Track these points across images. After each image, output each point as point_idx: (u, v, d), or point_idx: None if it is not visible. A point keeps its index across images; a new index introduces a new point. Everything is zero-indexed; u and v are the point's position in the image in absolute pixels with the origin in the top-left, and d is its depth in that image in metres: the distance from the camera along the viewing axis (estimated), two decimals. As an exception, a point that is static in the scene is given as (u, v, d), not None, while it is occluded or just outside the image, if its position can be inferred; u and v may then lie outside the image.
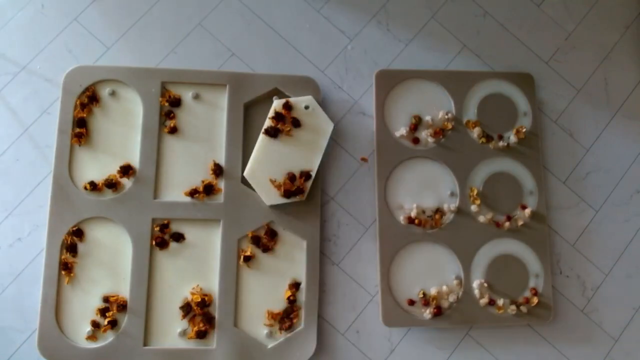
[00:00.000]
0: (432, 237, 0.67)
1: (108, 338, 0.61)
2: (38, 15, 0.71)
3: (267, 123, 0.65)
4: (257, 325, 0.64)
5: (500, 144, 0.70)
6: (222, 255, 0.64)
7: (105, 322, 0.61)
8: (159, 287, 0.63)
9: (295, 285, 0.64)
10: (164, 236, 0.64)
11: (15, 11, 0.71)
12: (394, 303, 0.65)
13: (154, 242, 0.64)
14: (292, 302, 0.64)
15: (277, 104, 0.65)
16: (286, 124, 0.65)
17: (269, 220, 0.65)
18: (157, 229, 0.64)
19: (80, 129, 0.65)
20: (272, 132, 0.64)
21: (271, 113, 0.65)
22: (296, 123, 0.65)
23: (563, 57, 0.76)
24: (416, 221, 0.67)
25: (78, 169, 0.65)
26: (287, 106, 0.65)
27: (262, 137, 0.65)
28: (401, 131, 0.69)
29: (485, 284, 0.66)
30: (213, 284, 0.64)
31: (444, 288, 0.65)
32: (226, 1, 0.73)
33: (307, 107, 0.66)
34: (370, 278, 0.67)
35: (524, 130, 0.70)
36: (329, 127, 0.65)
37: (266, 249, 0.65)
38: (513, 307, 0.65)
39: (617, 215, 0.72)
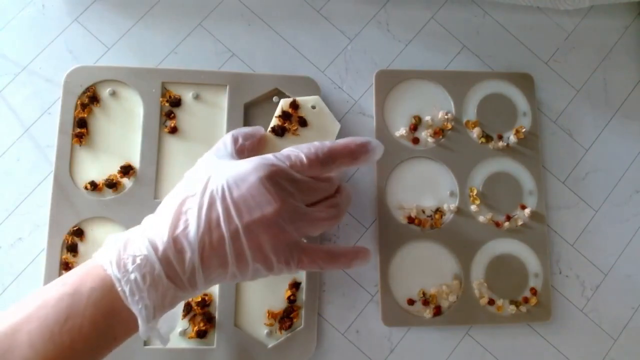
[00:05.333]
0: (432, 237, 0.67)
1: (109, 338, 0.62)
2: (38, 16, 0.71)
3: (274, 122, 0.64)
4: (257, 325, 0.64)
5: (500, 144, 0.70)
6: (222, 255, 0.64)
7: (106, 322, 0.62)
8: (160, 286, 0.63)
9: (295, 285, 0.65)
10: (165, 236, 0.65)
11: (16, 11, 0.71)
12: (394, 303, 0.65)
13: (154, 242, 0.64)
14: (292, 301, 0.64)
15: (284, 103, 0.64)
16: (293, 123, 0.64)
17: (269, 220, 0.65)
18: (157, 228, 0.64)
19: (80, 129, 0.65)
20: (279, 131, 0.64)
21: (278, 111, 0.64)
22: (303, 122, 0.64)
23: (562, 57, 0.76)
24: (416, 221, 0.67)
25: (79, 169, 0.65)
26: (294, 105, 0.64)
27: (268, 135, 0.64)
28: (401, 131, 0.69)
29: (485, 284, 0.66)
30: (213, 284, 0.64)
31: (444, 288, 0.66)
32: (226, 1, 0.73)
33: (313, 107, 0.65)
34: (370, 278, 0.67)
35: (524, 130, 0.71)
36: (336, 127, 0.64)
37: (266, 249, 0.65)
38: (512, 306, 0.66)
39: (617, 215, 0.72)
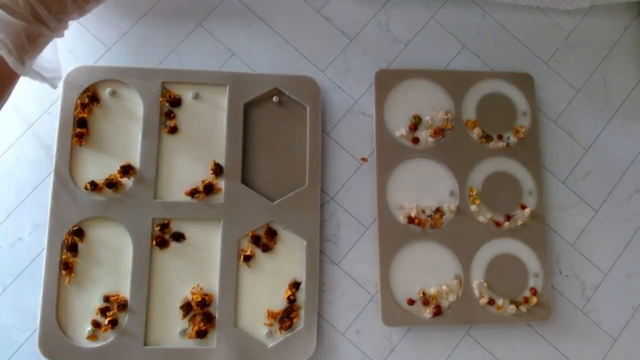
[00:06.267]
0: (432, 237, 0.67)
1: (109, 337, 0.62)
2: (39, 16, 0.71)
3: None
4: (257, 325, 0.64)
5: (500, 143, 0.70)
6: (222, 255, 0.64)
7: (106, 322, 0.62)
8: (160, 286, 0.64)
9: (295, 285, 0.65)
10: (164, 236, 0.65)
11: (16, 11, 0.71)
12: (394, 303, 0.65)
13: (154, 242, 0.64)
14: (292, 301, 0.64)
15: None
16: None
17: (269, 220, 0.66)
18: (157, 228, 0.64)
19: (81, 129, 0.65)
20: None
21: None
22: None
23: (562, 57, 0.76)
24: (416, 221, 0.67)
25: (79, 169, 0.65)
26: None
27: None
28: (401, 131, 0.69)
29: (485, 284, 0.66)
30: (213, 284, 0.64)
31: (444, 288, 0.66)
32: (226, 1, 0.73)
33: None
34: (370, 278, 0.67)
35: (524, 130, 0.71)
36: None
37: (266, 249, 0.65)
38: (512, 306, 0.66)
39: (617, 215, 0.72)
